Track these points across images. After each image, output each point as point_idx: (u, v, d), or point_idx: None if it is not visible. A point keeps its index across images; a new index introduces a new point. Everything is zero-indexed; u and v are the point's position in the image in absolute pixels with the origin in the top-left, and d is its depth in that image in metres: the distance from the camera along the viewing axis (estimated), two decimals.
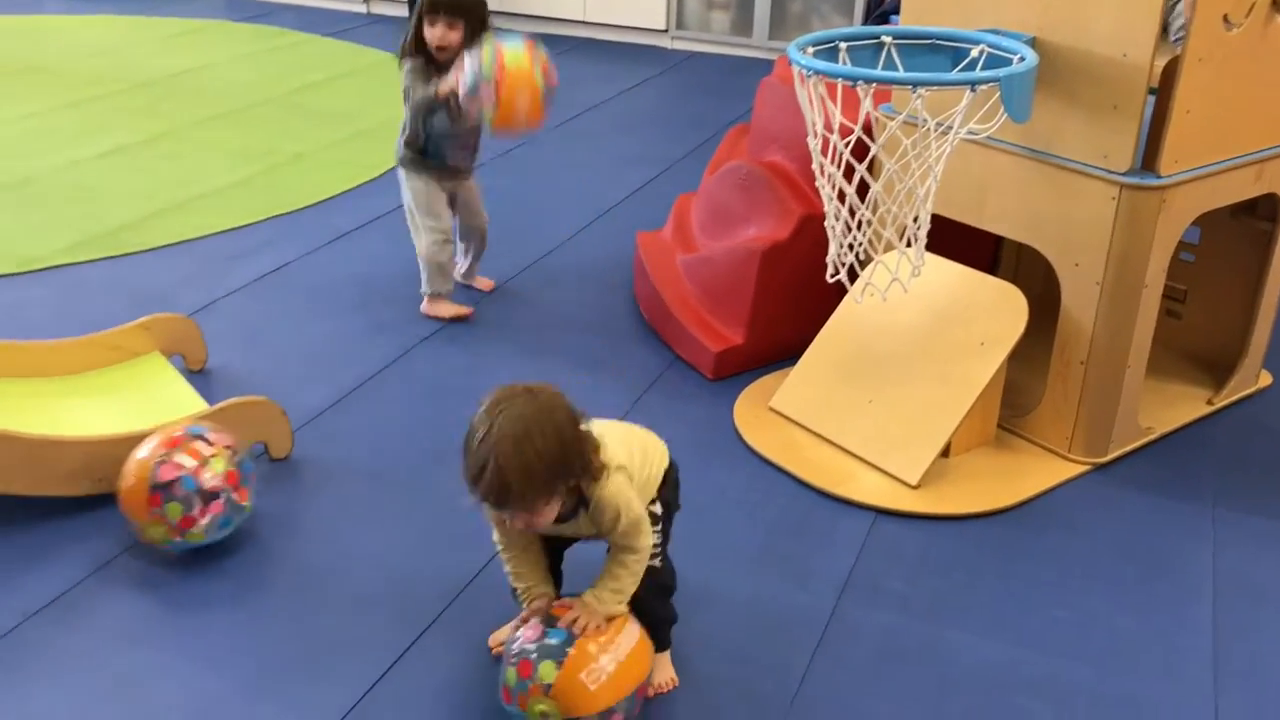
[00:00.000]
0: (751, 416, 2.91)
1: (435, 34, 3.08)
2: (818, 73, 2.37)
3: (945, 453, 2.71)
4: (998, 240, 3.18)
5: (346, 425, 2.85)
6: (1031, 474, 2.70)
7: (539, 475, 1.73)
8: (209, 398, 2.73)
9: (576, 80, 5.22)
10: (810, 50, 2.52)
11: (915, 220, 2.51)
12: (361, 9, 7.20)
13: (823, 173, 2.51)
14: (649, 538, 1.94)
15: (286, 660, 2.11)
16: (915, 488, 2.62)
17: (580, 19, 6.74)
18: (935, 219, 2.63)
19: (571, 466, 1.78)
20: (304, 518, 2.50)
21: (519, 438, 1.72)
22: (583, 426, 1.83)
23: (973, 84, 2.30)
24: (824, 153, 2.46)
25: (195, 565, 2.33)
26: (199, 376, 2.98)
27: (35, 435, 2.36)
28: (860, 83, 2.30)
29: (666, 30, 6.60)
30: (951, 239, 2.84)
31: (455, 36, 3.07)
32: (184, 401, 2.71)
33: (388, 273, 3.61)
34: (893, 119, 2.39)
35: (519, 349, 3.24)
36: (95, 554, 2.35)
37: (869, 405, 2.78)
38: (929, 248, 2.64)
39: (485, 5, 3.16)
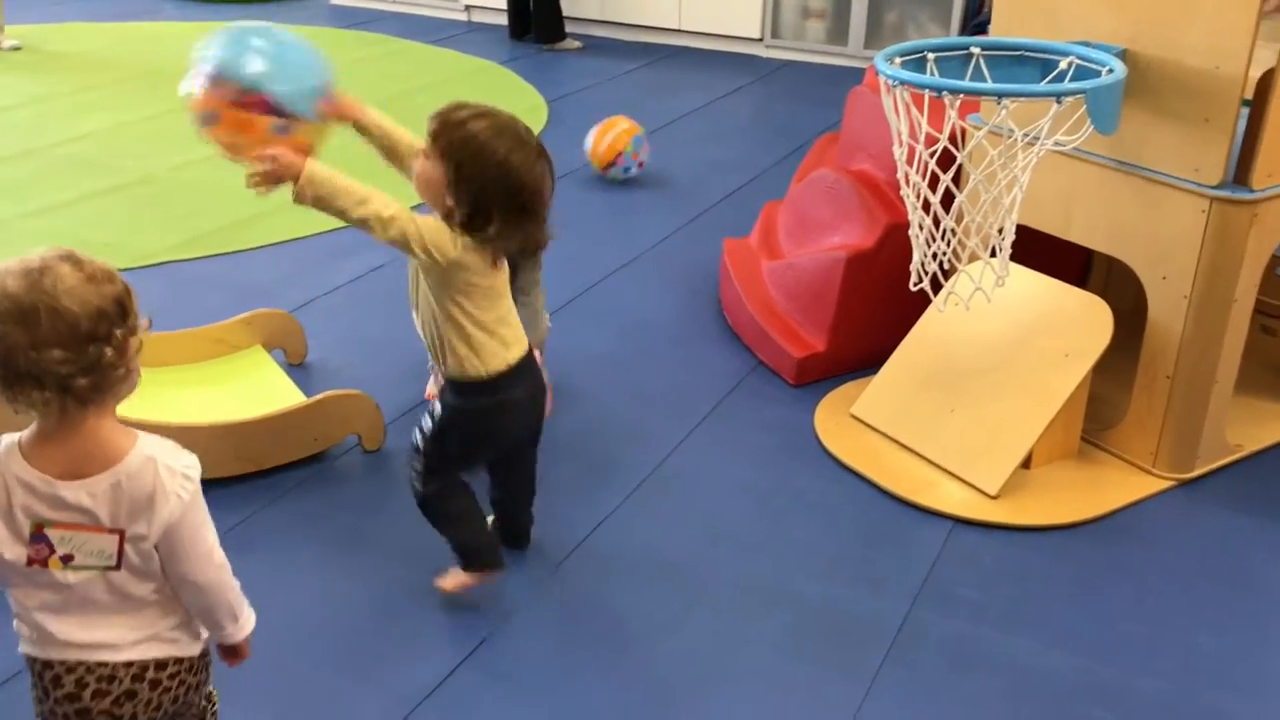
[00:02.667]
0: (832, 423, 2.94)
1: None
2: (903, 82, 2.39)
3: (1026, 464, 2.70)
4: (1089, 252, 3.16)
5: None
6: (1113, 488, 2.69)
7: None
8: (307, 390, 2.85)
9: (671, 88, 5.29)
10: (898, 60, 2.54)
11: (1000, 231, 2.52)
12: (463, 17, 7.36)
13: (907, 181, 2.53)
14: (395, 231, 1.98)
15: (377, 639, 2.20)
16: (994, 498, 2.63)
17: (676, 27, 6.81)
18: (1025, 231, 2.63)
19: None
20: (397, 505, 2.60)
21: None
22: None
23: (1059, 96, 2.30)
24: (909, 162, 2.48)
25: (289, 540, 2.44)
26: (299, 370, 3.11)
27: (149, 421, 2.49)
28: (945, 93, 2.32)
29: (761, 39, 6.64)
30: (1041, 250, 2.84)
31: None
32: (283, 393, 2.84)
33: None
34: (979, 129, 2.40)
35: (604, 350, 3.31)
36: None
37: (950, 415, 2.79)
38: (1019, 259, 2.65)
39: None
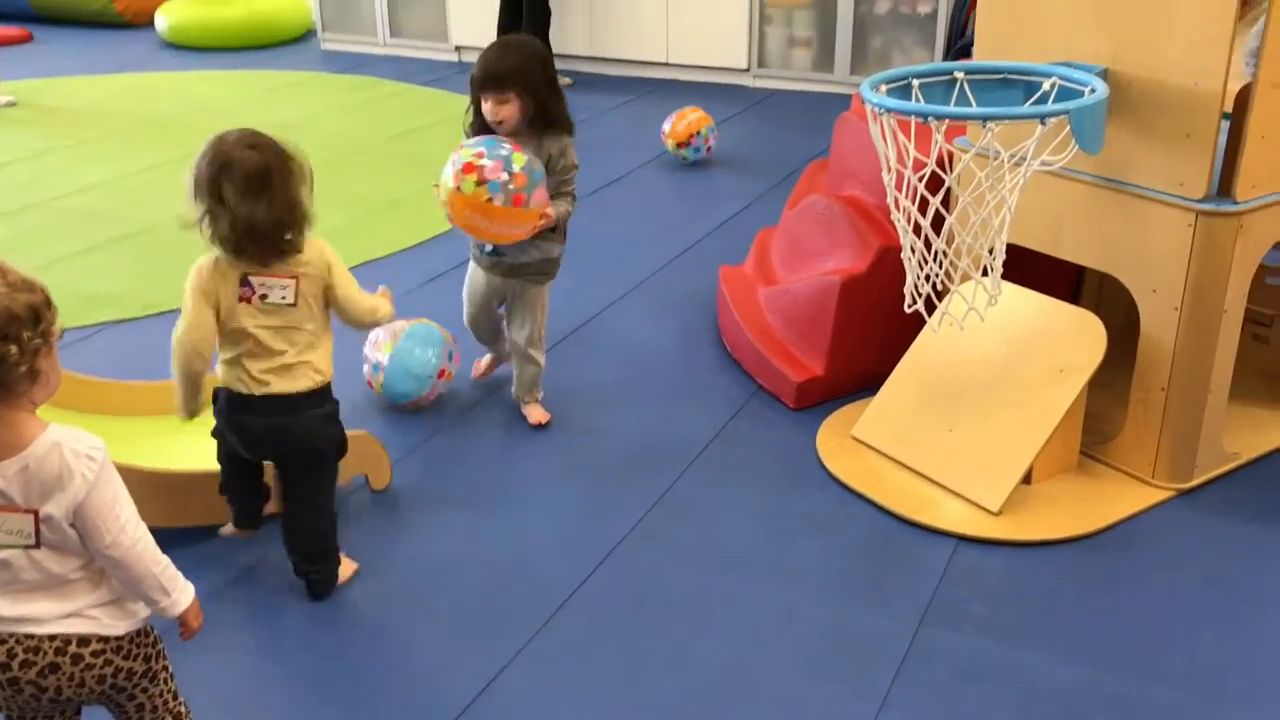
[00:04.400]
0: (834, 445, 2.97)
1: (488, 110, 2.86)
2: (888, 110, 2.45)
3: (1027, 479, 2.73)
4: (1080, 268, 3.21)
5: (441, 458, 2.98)
6: (1114, 500, 2.72)
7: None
8: None
9: (661, 120, 5.35)
10: (883, 88, 2.60)
11: (991, 251, 2.57)
12: (453, 58, 7.45)
13: (897, 206, 2.58)
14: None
15: (385, 679, 2.23)
16: (997, 514, 2.66)
17: (664, 60, 6.90)
18: (1015, 249, 2.68)
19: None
20: (405, 545, 2.63)
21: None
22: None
23: (1042, 117, 2.35)
24: (898, 186, 2.53)
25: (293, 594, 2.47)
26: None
27: (154, 469, 2.53)
28: (931, 118, 2.37)
29: (748, 69, 6.72)
30: (1033, 267, 2.89)
31: (508, 110, 2.82)
32: None
33: None
34: (967, 152, 2.45)
35: (607, 380, 3.35)
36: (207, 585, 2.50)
37: (950, 433, 2.83)
38: (1011, 276, 2.69)
39: (536, 66, 2.85)
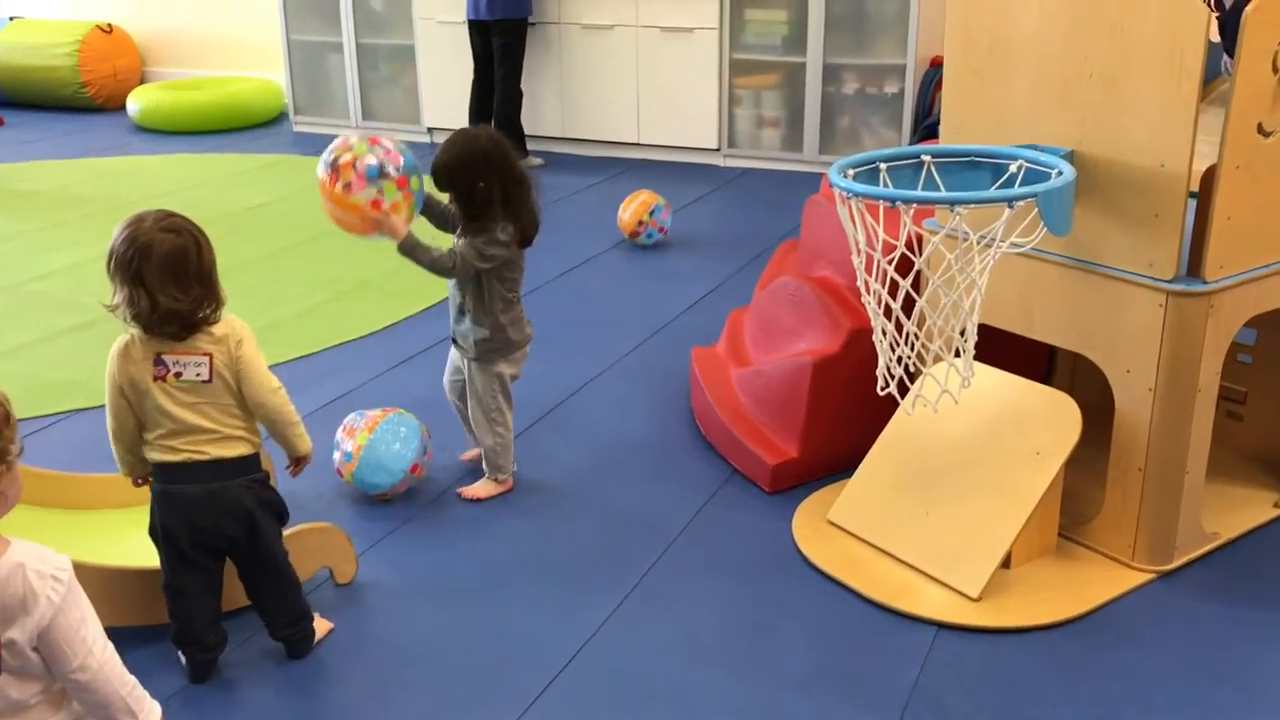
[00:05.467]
0: (810, 530, 2.93)
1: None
2: (856, 194, 2.44)
3: (1006, 563, 2.69)
4: (1053, 347, 3.20)
5: (410, 549, 2.91)
6: (1095, 584, 2.68)
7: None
8: None
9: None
10: (851, 172, 2.60)
11: (962, 333, 2.55)
12: (425, 139, 7.49)
13: (868, 289, 2.57)
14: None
15: None
16: (977, 600, 2.61)
17: (635, 141, 6.95)
18: (987, 330, 2.66)
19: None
20: (372, 640, 2.56)
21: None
22: None
23: (1010, 201, 2.35)
24: (868, 270, 2.52)
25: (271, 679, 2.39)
26: None
27: (121, 565, 2.46)
28: (899, 203, 2.37)
29: (719, 149, 6.78)
30: (1005, 347, 2.88)
31: (456, 205, 2.95)
32: None
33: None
34: (936, 234, 2.45)
35: (581, 464, 3.30)
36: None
37: (926, 517, 2.79)
38: (983, 356, 2.68)
39: (474, 162, 2.87)
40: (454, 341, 3.12)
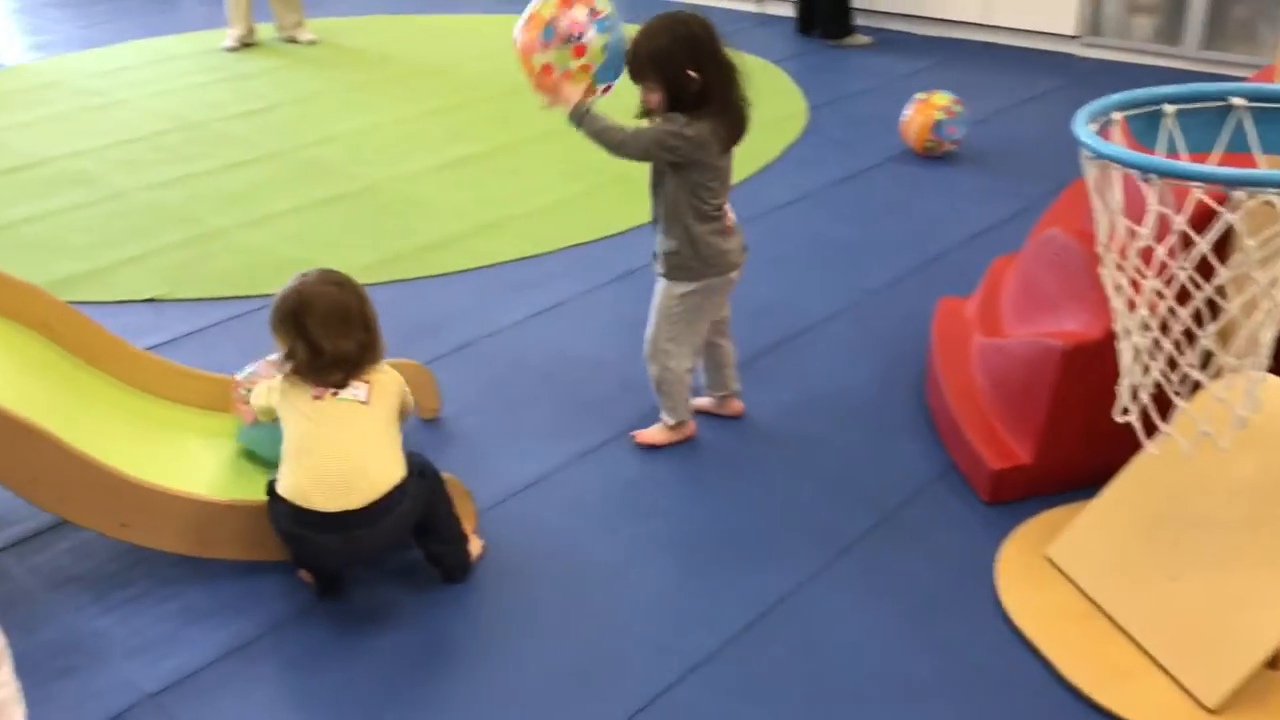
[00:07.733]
0: (1019, 564, 2.32)
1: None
2: (1110, 159, 1.76)
3: (1272, 664, 1.99)
4: None
5: (542, 508, 2.57)
6: None
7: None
8: (429, 454, 2.53)
9: (964, 91, 4.62)
10: (1118, 117, 1.90)
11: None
12: (753, 8, 6.92)
13: (1119, 281, 1.89)
14: None
15: None
16: (1212, 712, 1.94)
17: (980, 21, 6.05)
18: None
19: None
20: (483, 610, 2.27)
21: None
22: None
23: None
24: (1119, 251, 1.84)
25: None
26: (429, 427, 2.84)
27: (189, 494, 2.31)
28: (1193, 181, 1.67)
29: (1078, 36, 5.76)
30: None
31: (651, 99, 2.51)
32: None
33: None
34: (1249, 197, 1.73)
35: (775, 427, 2.82)
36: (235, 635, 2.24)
37: (1171, 582, 2.10)
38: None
39: (673, 52, 2.44)
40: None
